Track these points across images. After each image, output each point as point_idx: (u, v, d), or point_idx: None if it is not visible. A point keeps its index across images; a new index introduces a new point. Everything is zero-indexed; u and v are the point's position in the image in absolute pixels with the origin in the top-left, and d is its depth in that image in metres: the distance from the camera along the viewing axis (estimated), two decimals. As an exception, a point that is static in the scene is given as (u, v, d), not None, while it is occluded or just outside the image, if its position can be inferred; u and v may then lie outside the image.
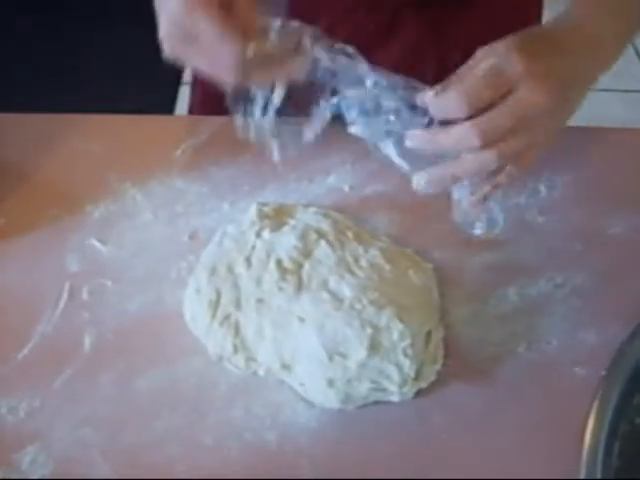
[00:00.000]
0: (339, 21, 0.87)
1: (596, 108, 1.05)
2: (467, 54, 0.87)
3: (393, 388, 0.63)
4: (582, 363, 0.66)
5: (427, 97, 0.58)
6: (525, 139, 0.58)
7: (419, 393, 0.65)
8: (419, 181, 0.61)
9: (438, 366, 0.65)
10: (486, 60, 0.58)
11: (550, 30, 0.63)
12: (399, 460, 0.62)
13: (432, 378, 0.65)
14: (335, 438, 0.63)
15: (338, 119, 0.87)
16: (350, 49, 0.63)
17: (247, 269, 0.69)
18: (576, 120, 0.65)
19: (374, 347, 0.63)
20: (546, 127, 0.60)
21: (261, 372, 0.66)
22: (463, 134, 0.57)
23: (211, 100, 0.98)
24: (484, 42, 0.87)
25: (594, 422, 0.61)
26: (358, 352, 0.62)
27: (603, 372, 0.64)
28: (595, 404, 0.62)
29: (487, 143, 0.57)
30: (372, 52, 0.87)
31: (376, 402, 0.64)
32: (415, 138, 0.60)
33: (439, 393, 0.65)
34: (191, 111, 1.03)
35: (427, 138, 0.59)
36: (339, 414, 0.64)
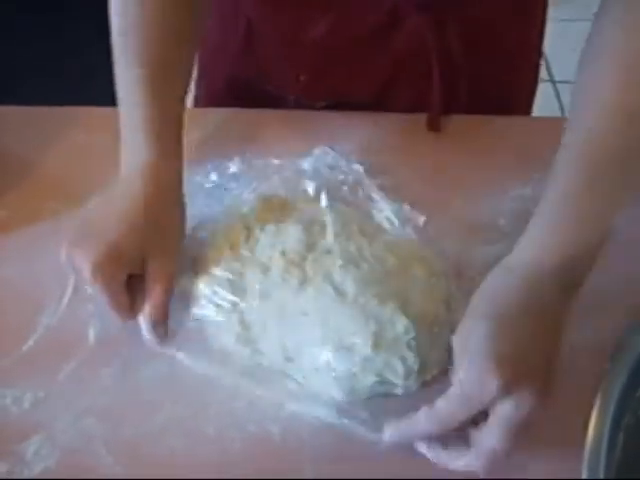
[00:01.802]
0: (343, 18, 0.87)
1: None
2: (470, 46, 0.88)
3: (397, 381, 0.63)
4: (585, 356, 0.66)
5: (391, 430, 0.60)
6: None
7: (423, 385, 0.65)
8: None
9: (442, 359, 0.65)
10: (457, 391, 0.58)
11: (519, 299, 0.60)
12: (402, 453, 0.61)
13: (436, 371, 0.65)
14: (339, 430, 0.63)
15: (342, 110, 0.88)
16: None
17: (251, 261, 0.69)
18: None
19: (378, 341, 0.63)
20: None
21: (265, 364, 0.66)
22: (468, 463, 0.58)
23: (217, 93, 0.99)
24: (487, 35, 0.88)
25: (597, 415, 0.61)
26: (362, 346, 0.63)
27: (606, 365, 0.64)
28: (598, 397, 0.62)
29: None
30: (376, 47, 0.88)
31: (380, 394, 0.64)
32: (421, 447, 0.61)
33: (443, 385, 0.64)
34: (196, 104, 1.03)
35: (432, 454, 0.60)
36: (343, 406, 0.64)
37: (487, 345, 0.57)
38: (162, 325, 0.68)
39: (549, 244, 0.61)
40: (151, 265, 0.69)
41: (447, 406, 0.58)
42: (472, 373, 0.57)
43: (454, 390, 0.58)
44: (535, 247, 0.61)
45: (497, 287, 0.61)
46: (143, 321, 0.68)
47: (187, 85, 0.75)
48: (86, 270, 0.66)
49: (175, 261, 0.71)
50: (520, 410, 0.56)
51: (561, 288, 0.60)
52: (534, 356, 0.58)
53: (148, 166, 0.71)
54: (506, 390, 0.56)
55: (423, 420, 0.59)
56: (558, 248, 0.60)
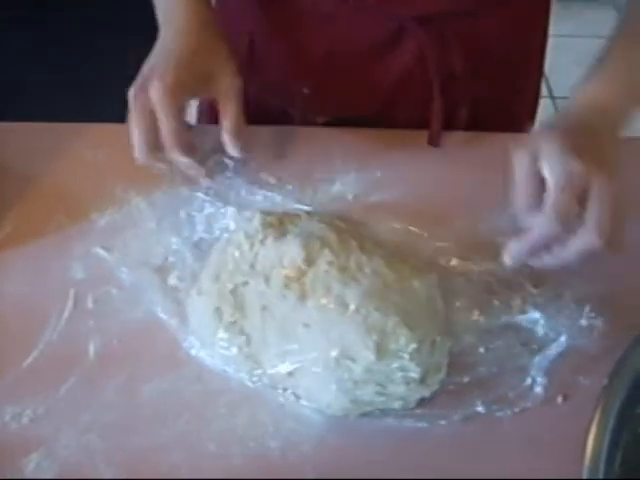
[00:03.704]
0: (347, 32, 0.87)
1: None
2: (471, 62, 0.88)
3: (398, 391, 0.63)
4: (584, 372, 0.66)
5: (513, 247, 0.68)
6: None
7: (422, 402, 0.65)
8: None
9: (442, 375, 0.65)
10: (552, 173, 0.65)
11: (578, 121, 0.70)
12: (402, 469, 0.62)
13: (436, 387, 0.65)
14: (339, 446, 0.63)
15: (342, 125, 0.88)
16: None
17: (251, 277, 0.70)
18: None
19: (380, 352, 0.63)
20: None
21: (265, 379, 0.66)
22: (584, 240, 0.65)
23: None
24: (488, 51, 0.88)
25: (596, 432, 0.61)
26: (364, 358, 0.63)
27: (605, 381, 0.64)
28: (597, 414, 0.62)
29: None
30: (378, 63, 0.89)
31: (379, 410, 0.64)
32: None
33: (442, 403, 0.65)
34: (199, 120, 1.04)
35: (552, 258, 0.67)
36: (343, 422, 0.64)
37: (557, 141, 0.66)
38: (241, 136, 0.77)
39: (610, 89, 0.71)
40: (221, 83, 0.78)
41: (557, 200, 0.64)
42: (555, 163, 0.64)
43: (551, 187, 0.64)
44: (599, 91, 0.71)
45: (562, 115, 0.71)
46: (225, 134, 0.77)
47: None
48: (161, 90, 0.73)
49: (240, 77, 0.79)
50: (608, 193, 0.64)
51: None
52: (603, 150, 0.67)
53: (189, 7, 0.81)
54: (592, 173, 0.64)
55: (541, 224, 0.65)
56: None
